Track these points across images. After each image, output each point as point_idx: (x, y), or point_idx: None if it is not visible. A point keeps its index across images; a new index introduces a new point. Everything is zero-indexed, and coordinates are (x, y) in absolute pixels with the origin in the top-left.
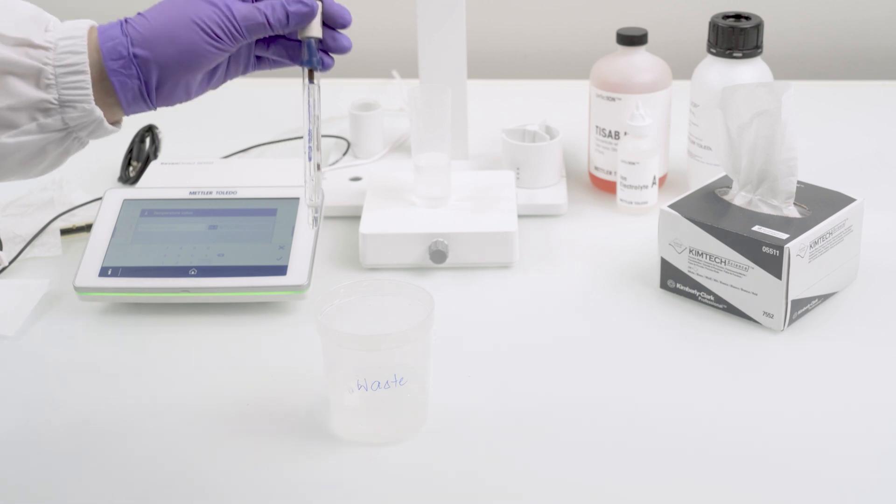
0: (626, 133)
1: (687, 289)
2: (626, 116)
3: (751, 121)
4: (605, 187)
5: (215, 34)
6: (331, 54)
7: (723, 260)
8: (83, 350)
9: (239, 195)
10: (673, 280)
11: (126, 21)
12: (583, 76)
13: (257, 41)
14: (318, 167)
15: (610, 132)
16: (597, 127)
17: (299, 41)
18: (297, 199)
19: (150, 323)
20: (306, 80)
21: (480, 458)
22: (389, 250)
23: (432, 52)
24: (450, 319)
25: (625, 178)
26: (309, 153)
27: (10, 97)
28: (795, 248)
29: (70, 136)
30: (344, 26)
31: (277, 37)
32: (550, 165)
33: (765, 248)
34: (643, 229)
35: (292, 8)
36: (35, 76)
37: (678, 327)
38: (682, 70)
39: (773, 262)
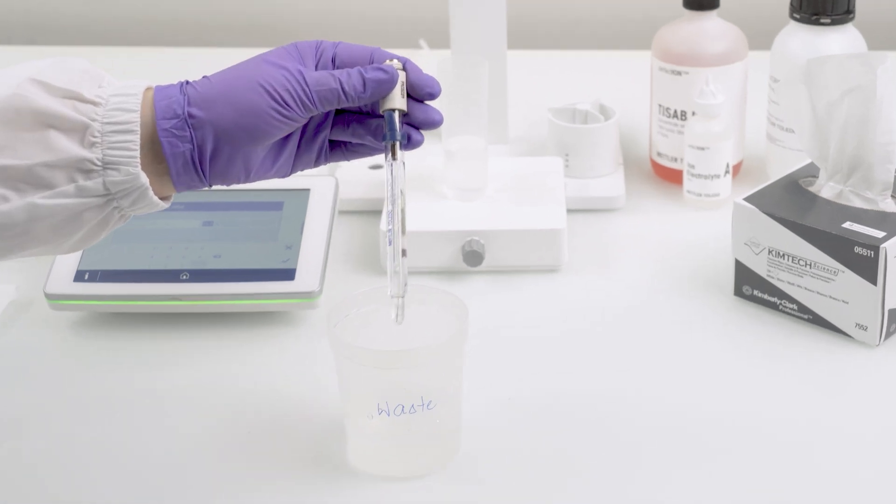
0: (694, 113)
1: (765, 296)
2: (695, 93)
3: (841, 98)
4: (670, 176)
5: (282, 99)
6: (419, 129)
7: (808, 262)
8: (55, 367)
9: (239, 186)
10: (749, 286)
11: (187, 82)
12: (643, 46)
13: (335, 123)
14: (404, 253)
15: (675, 112)
16: (660, 106)
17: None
18: (308, 190)
19: (133, 336)
20: (389, 155)
21: (520, 495)
22: (416, 250)
23: (466, 18)
24: (486, 332)
25: (693, 166)
26: (390, 237)
27: (50, 153)
28: (893, 248)
29: (110, 205)
30: (432, 97)
31: (358, 115)
32: (605, 151)
33: (857, 249)
34: (714, 226)
35: (370, 75)
36: (80, 132)
37: (755, 342)
38: (761, 39)
39: (866, 265)
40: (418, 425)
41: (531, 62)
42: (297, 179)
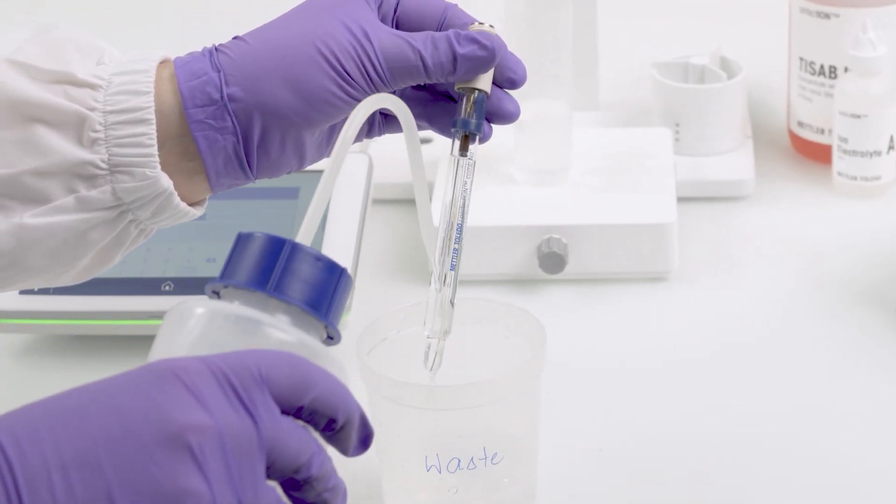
0: (847, 69)
1: None
2: (848, 43)
3: None
4: (814, 154)
5: (346, 72)
6: (489, 122)
7: None
8: None
9: None
10: None
11: (217, 49)
12: None
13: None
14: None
15: (822, 68)
16: (801, 60)
17: (450, 98)
18: None
19: (99, 367)
20: (456, 150)
21: None
22: (477, 252)
23: None
24: (569, 361)
25: (846, 140)
26: (439, 257)
27: (38, 156)
28: None
29: (124, 218)
30: (513, 85)
31: (424, 88)
32: (728, 120)
33: None
34: (874, 219)
35: (464, 49)
36: (76, 126)
37: None
38: None
39: None
40: (480, 485)
41: (629, 1)
42: None
